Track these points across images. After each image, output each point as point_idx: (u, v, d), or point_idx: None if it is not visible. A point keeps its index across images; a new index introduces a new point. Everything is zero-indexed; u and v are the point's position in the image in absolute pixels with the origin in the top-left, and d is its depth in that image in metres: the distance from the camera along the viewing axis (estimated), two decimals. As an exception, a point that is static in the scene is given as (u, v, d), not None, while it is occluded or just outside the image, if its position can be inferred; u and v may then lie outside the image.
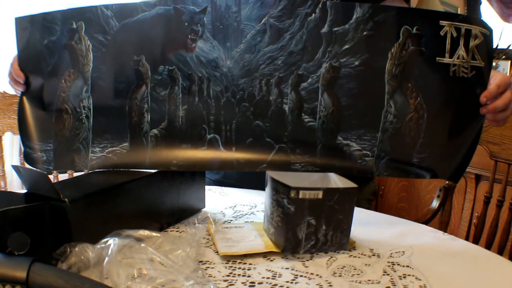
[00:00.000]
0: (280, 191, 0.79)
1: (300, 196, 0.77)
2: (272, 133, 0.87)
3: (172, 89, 0.88)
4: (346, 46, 0.84)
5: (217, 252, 0.80)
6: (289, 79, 0.86)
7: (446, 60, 0.84)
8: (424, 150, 0.87)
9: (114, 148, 0.90)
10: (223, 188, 1.16)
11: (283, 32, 0.85)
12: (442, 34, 0.84)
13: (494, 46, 2.44)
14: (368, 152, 0.87)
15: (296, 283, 0.71)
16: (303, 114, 0.86)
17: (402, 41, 0.83)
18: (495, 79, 0.89)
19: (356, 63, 0.85)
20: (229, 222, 0.94)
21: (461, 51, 0.85)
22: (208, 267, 0.75)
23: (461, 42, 0.84)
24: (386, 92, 0.85)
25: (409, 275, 0.74)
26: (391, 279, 0.73)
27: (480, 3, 2.71)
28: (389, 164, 0.87)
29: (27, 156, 0.96)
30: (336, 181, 0.87)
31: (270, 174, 0.84)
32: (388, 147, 0.87)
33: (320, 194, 0.78)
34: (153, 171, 0.88)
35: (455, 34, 0.84)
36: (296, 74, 0.85)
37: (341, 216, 0.81)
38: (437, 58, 0.84)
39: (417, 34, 0.83)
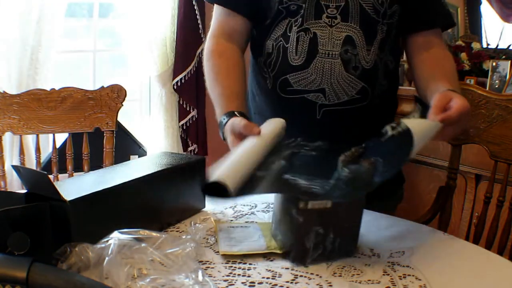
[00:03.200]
0: (290, 200, 0.78)
1: (309, 206, 0.75)
2: None
3: None
4: None
5: (217, 252, 0.80)
6: None
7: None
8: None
9: None
10: (223, 188, 1.16)
11: None
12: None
13: (494, 46, 2.45)
14: None
15: (296, 283, 0.71)
16: None
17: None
18: (457, 103, 0.88)
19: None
20: (236, 221, 0.94)
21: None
22: (208, 267, 0.75)
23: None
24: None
25: (409, 275, 0.74)
26: (391, 279, 0.73)
27: (480, 3, 2.71)
28: None
29: None
30: None
31: None
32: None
33: (328, 204, 0.76)
34: (152, 171, 0.88)
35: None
36: None
37: (348, 224, 0.79)
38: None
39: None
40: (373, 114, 1.12)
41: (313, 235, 0.76)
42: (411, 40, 1.16)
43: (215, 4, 1.19)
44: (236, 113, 0.96)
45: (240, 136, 0.89)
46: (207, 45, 1.18)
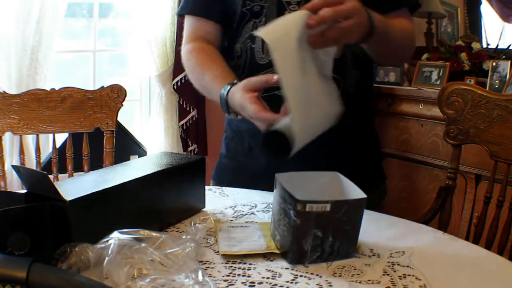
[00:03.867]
0: (287, 201, 0.77)
1: (307, 209, 0.74)
2: None
3: None
4: None
5: (217, 252, 0.80)
6: None
7: None
8: None
9: None
10: (223, 188, 1.16)
11: None
12: None
13: (494, 46, 2.45)
14: None
15: (296, 283, 0.71)
16: None
17: None
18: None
19: None
20: (236, 221, 0.94)
21: None
22: (208, 267, 0.75)
23: None
24: None
25: (409, 275, 0.74)
26: (391, 279, 0.73)
27: (480, 3, 2.71)
28: None
29: None
30: (344, 187, 0.86)
31: (279, 180, 0.82)
32: None
33: (327, 207, 0.75)
34: (152, 171, 0.88)
35: None
36: None
37: (348, 227, 0.78)
38: None
39: None
40: (347, 104, 1.13)
41: (310, 238, 0.76)
42: None
43: (185, 16, 1.22)
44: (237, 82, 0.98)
45: (253, 91, 0.90)
46: (184, 50, 1.20)
